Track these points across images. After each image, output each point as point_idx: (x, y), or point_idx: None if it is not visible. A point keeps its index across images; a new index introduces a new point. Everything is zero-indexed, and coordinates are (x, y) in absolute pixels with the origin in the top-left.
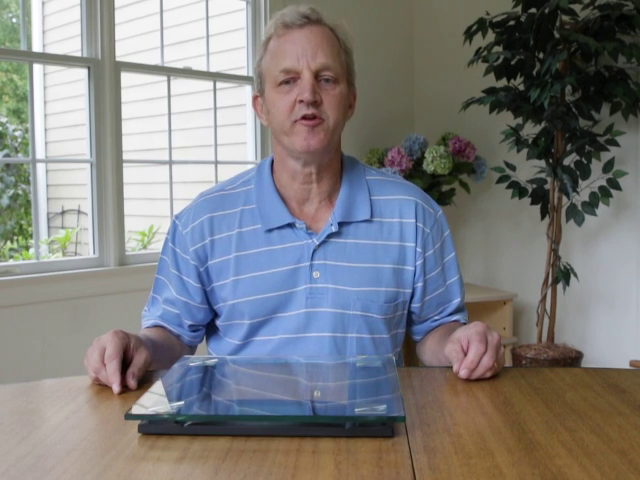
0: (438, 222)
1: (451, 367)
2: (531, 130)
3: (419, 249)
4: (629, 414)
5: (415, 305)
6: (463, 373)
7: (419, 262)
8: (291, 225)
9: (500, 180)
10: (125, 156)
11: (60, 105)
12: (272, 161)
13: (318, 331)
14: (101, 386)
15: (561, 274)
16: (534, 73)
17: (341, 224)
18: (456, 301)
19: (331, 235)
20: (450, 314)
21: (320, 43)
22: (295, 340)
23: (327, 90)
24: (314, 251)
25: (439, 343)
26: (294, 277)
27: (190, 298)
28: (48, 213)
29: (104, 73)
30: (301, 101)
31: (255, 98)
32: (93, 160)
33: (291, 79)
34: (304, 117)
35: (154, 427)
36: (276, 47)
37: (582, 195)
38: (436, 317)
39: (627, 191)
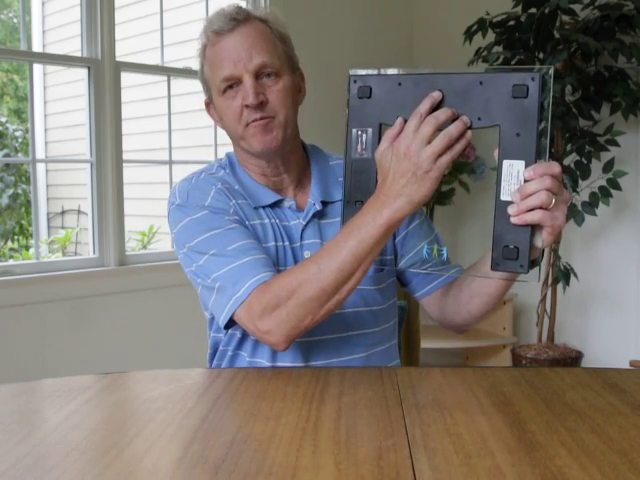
0: None
1: (455, 365)
2: None
3: None
4: (629, 414)
5: (406, 257)
6: (515, 198)
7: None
8: (279, 204)
9: None
10: (125, 156)
11: (60, 105)
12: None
13: None
14: (101, 386)
15: (561, 274)
16: None
17: (322, 204)
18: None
19: (315, 215)
20: (447, 263)
21: (253, 43)
22: None
23: (271, 87)
24: (302, 231)
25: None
26: (285, 256)
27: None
28: (48, 213)
29: (104, 73)
30: (247, 106)
31: (207, 104)
32: (93, 160)
33: (234, 84)
34: (254, 121)
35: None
36: (212, 56)
37: (582, 195)
38: (435, 269)
39: (627, 191)
